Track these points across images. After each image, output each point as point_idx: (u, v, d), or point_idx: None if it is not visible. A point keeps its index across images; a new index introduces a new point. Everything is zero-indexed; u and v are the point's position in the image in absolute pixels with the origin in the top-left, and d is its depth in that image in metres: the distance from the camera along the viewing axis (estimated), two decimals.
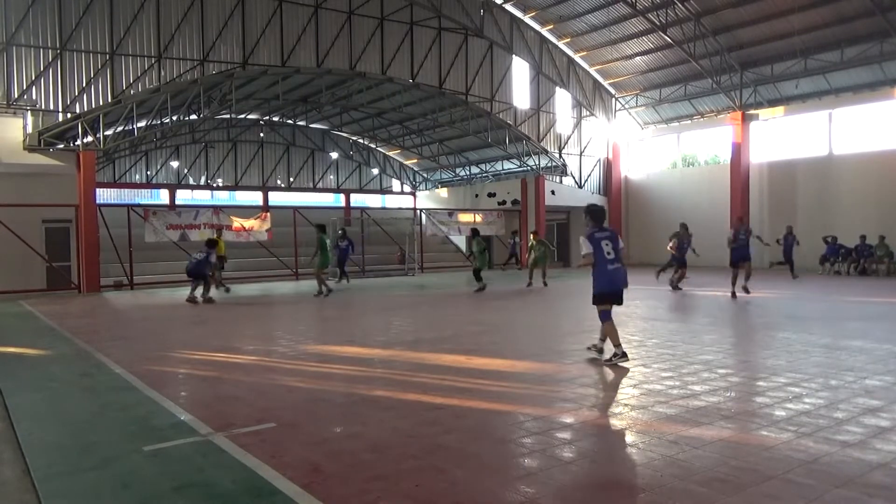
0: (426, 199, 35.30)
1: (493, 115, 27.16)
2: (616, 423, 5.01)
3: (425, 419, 5.17)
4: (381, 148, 34.65)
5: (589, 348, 7.92)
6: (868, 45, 22.70)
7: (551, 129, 31.73)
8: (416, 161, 35.17)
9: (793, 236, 20.44)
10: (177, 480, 3.97)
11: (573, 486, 3.74)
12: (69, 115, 20.34)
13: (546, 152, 28.80)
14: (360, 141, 33.88)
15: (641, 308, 12.70)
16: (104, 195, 26.48)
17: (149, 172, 29.57)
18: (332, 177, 34.28)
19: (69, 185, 18.97)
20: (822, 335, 9.15)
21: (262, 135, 31.02)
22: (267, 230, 23.04)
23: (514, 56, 30.20)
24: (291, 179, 32.94)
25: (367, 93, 23.85)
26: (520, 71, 30.85)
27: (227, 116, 27.23)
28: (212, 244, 15.70)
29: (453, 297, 15.79)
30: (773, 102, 26.76)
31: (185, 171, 30.33)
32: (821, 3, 22.44)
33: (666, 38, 26.53)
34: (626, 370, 6.94)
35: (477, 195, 31.66)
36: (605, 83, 32.20)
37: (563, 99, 31.89)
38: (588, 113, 32.33)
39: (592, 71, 31.76)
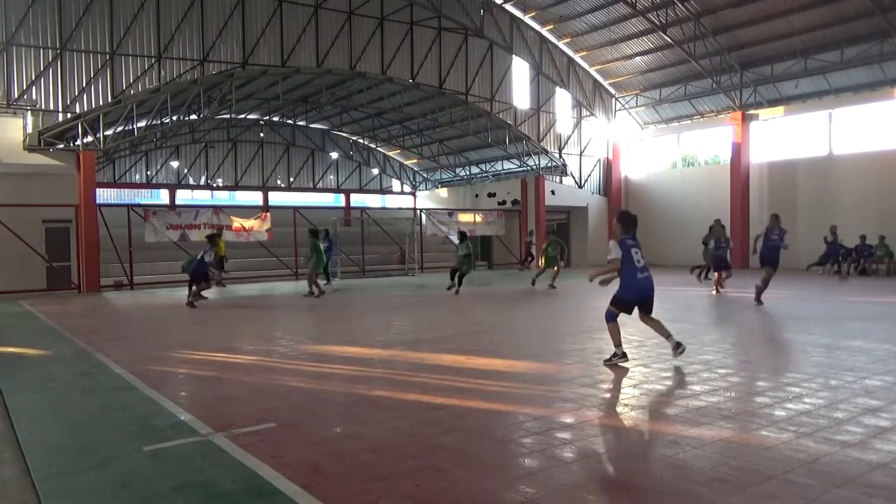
0: (426, 199, 35.30)
1: (493, 115, 27.16)
2: (616, 423, 5.01)
3: (425, 419, 5.17)
4: (381, 148, 34.66)
5: (609, 358, 7.35)
6: (868, 45, 22.70)
7: (551, 129, 31.73)
8: (416, 161, 35.17)
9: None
10: (177, 480, 3.97)
11: (573, 487, 3.74)
12: (69, 115, 20.34)
13: (546, 152, 28.81)
14: (360, 141, 33.88)
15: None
16: (104, 195, 26.48)
17: (149, 172, 29.58)
18: (332, 177, 34.29)
19: (69, 185, 18.96)
20: (822, 335, 9.15)
21: (262, 135, 31.03)
22: (267, 230, 23.04)
23: (514, 56, 30.20)
24: (291, 179, 32.95)
25: (367, 93, 23.85)
26: (520, 71, 30.86)
27: (227, 116, 27.23)
28: (212, 240, 15.56)
29: (453, 297, 15.78)
30: (773, 102, 26.76)
31: (185, 171, 30.34)
32: (821, 3, 22.44)
33: (666, 38, 26.54)
34: (626, 370, 6.94)
35: (477, 195, 31.66)
36: (605, 83, 32.20)
37: (563, 99, 31.89)
38: (588, 113, 32.33)
39: (592, 71, 31.76)
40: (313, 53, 26.00)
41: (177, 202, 29.24)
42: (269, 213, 23.58)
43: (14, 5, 20.85)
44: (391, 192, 36.71)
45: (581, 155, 32.49)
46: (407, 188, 36.73)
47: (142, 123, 20.65)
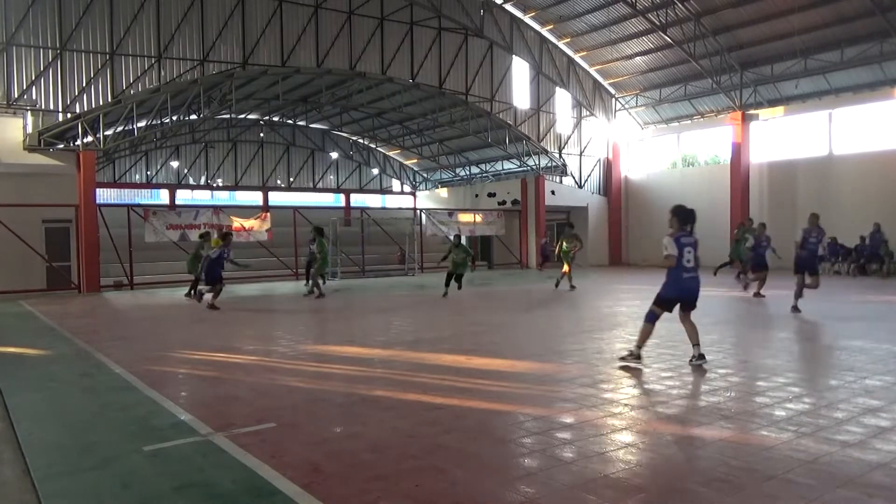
0: (426, 199, 35.30)
1: (493, 115, 27.16)
2: (616, 422, 5.01)
3: (425, 419, 5.17)
4: (381, 148, 34.66)
5: (625, 356, 7.27)
6: (868, 45, 22.71)
7: (551, 129, 31.73)
8: (416, 161, 35.17)
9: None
10: (177, 480, 3.97)
11: (573, 486, 3.74)
12: (69, 115, 20.35)
13: (546, 152, 28.81)
14: (360, 141, 33.88)
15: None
16: (104, 195, 26.48)
17: (149, 172, 29.57)
18: (332, 177, 34.28)
19: (69, 185, 18.97)
20: (822, 335, 9.15)
21: (262, 135, 31.03)
22: (267, 230, 23.05)
23: (514, 56, 30.20)
24: (291, 179, 32.95)
25: (367, 93, 23.86)
26: (520, 71, 30.85)
27: (227, 116, 27.23)
28: (226, 238, 14.46)
29: (453, 297, 15.77)
30: (773, 102, 26.75)
31: (185, 171, 30.34)
32: (821, 3, 22.45)
33: (666, 38, 26.54)
34: (628, 371, 6.94)
35: (477, 195, 31.66)
36: (605, 83, 32.20)
37: (563, 99, 31.89)
38: (588, 113, 32.33)
39: (592, 71, 31.76)
40: (313, 53, 26.00)
41: (177, 202, 29.24)
42: (268, 213, 23.58)
43: (14, 5, 20.85)
44: (391, 192, 36.71)
45: (581, 155, 32.49)
46: (407, 188, 36.73)
47: (142, 123, 20.66)
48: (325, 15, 26.28)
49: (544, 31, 30.47)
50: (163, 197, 30.26)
